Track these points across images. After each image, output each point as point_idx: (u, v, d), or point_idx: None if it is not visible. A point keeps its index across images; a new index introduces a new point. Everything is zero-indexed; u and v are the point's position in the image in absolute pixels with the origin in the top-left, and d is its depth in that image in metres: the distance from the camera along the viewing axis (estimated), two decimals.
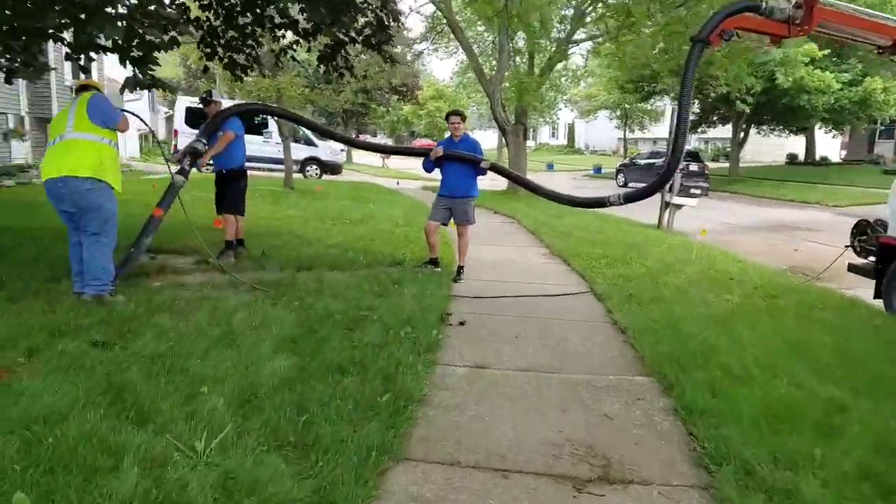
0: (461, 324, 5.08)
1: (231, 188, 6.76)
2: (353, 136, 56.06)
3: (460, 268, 6.83)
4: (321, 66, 8.03)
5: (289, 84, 14.89)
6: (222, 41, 7.64)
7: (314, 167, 22.26)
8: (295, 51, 8.13)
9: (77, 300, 4.47)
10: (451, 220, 6.80)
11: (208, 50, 7.62)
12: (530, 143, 64.95)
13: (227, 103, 20.91)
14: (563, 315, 5.55)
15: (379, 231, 9.30)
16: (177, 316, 4.46)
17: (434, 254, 6.96)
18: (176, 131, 20.96)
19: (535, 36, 17.13)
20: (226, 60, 7.75)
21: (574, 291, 6.49)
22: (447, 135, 6.82)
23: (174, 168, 5.89)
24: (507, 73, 18.77)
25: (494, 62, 19.66)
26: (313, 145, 22.23)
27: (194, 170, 6.05)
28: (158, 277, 5.65)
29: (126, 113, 4.82)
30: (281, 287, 5.51)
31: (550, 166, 39.88)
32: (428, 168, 6.77)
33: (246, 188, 6.88)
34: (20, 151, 14.69)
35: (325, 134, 7.06)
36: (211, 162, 6.57)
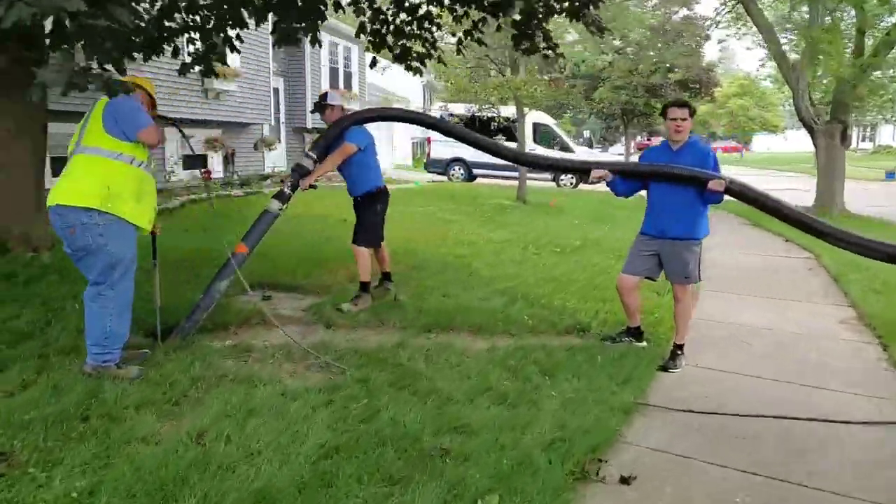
0: (624, 482, 2.90)
1: (365, 214, 5.36)
2: (644, 138, 52.64)
3: (676, 348, 4.47)
4: (516, 48, 6.30)
5: (521, 83, 13.31)
6: (391, 27, 6.37)
7: (569, 175, 20.46)
8: (482, 33, 6.53)
9: (79, 371, 3.47)
10: (662, 273, 4.50)
11: (375, 39, 6.42)
12: (865, 145, 53.94)
13: (457, 109, 20.31)
14: (856, 485, 2.96)
15: (588, 267, 7.18)
16: (172, 412, 3.16)
17: (634, 321, 4.71)
18: (429, 139, 21.12)
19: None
20: (397, 50, 6.47)
21: (888, 420, 3.70)
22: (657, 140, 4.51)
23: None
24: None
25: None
26: (569, 150, 20.46)
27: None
28: (239, 330, 4.52)
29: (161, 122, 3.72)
30: (371, 363, 3.92)
31: (891, 175, 31.78)
32: (619, 189, 4.57)
33: (384, 212, 5.45)
34: (270, 160, 15.73)
35: (465, 141, 5.14)
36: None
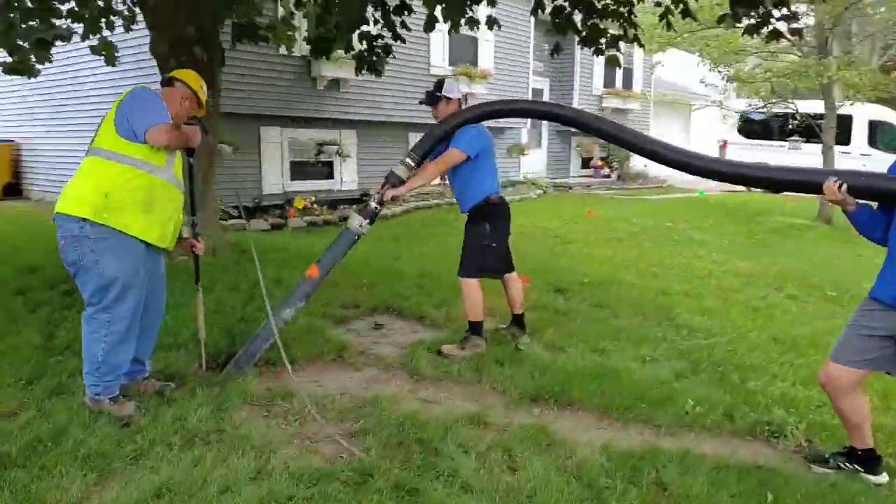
0: None
1: (469, 234, 4.20)
2: None
3: None
4: (724, 21, 4.60)
5: (826, 68, 10.35)
6: (580, 5, 5.12)
7: None
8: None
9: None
10: None
11: (556, 19, 5.24)
12: None
13: (737, 105, 17.29)
14: None
15: None
16: (114, 473, 2.62)
17: (859, 441, 2.85)
18: (725, 142, 18.48)
19: None
20: (584, 32, 5.22)
21: None
22: None
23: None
24: None
25: None
26: None
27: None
28: (308, 366, 3.87)
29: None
30: (407, 442, 2.90)
31: None
32: (864, 226, 2.78)
33: (500, 232, 4.19)
34: (527, 166, 15.05)
35: (605, 136, 3.65)
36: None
